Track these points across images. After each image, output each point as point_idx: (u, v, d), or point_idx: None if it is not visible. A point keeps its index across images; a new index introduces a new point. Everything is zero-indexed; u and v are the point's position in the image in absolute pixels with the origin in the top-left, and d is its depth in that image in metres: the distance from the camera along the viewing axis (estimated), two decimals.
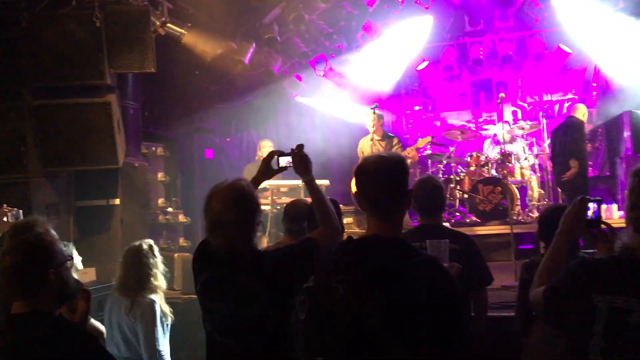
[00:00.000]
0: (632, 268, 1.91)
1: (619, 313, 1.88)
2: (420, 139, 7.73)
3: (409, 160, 7.47)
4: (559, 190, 8.39)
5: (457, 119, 10.77)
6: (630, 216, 1.98)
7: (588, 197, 2.33)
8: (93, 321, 3.10)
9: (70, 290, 2.18)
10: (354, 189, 8.09)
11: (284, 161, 2.88)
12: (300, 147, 2.82)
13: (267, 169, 2.93)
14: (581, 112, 7.48)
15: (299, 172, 2.78)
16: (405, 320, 1.85)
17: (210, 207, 2.45)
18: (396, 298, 1.86)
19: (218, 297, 2.49)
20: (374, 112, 7.27)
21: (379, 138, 7.62)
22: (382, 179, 2.03)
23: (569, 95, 10.12)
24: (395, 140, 7.67)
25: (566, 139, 7.31)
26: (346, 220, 7.49)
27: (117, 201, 6.01)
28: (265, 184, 6.88)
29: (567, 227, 2.28)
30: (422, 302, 1.83)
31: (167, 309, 3.85)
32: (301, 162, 2.78)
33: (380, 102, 8.23)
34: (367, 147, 7.60)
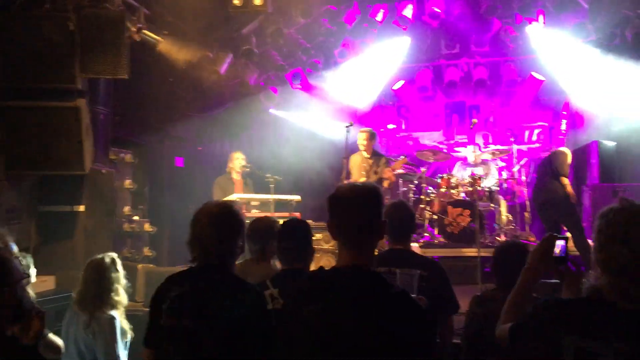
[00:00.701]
0: (600, 310, 1.91)
1: (586, 355, 1.87)
2: (396, 161, 7.74)
3: (386, 182, 7.48)
4: (526, 215, 8.50)
5: (429, 139, 10.85)
6: (598, 257, 1.98)
7: (555, 234, 2.33)
8: (51, 336, 2.99)
9: (23, 309, 2.10)
10: None
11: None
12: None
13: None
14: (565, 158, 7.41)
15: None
16: (377, 353, 1.83)
17: (194, 223, 2.54)
18: (370, 330, 1.85)
19: (184, 312, 2.46)
20: (348, 130, 7.28)
21: (368, 156, 7.63)
22: (357, 210, 2.01)
23: (540, 123, 10.29)
24: (383, 160, 7.69)
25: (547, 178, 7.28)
26: (316, 236, 7.45)
27: (82, 208, 5.90)
28: (235, 196, 6.97)
29: (534, 263, 2.28)
30: (396, 335, 1.82)
31: (126, 325, 3.77)
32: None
33: (355, 119, 8.25)
34: (357, 163, 7.61)
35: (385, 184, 7.53)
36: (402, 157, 8.05)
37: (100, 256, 3.80)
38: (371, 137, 7.69)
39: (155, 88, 7.92)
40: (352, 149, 7.62)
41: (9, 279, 2.04)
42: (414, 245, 7.37)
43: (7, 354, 2.00)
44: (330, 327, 1.90)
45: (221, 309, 2.39)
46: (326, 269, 2.12)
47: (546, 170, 7.24)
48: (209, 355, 2.39)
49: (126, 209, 7.01)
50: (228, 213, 2.53)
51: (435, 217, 8.13)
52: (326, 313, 1.93)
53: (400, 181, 8.99)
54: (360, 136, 7.66)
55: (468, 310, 3.30)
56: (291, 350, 2.01)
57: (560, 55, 8.91)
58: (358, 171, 7.60)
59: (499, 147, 9.39)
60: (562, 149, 7.50)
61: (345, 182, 7.40)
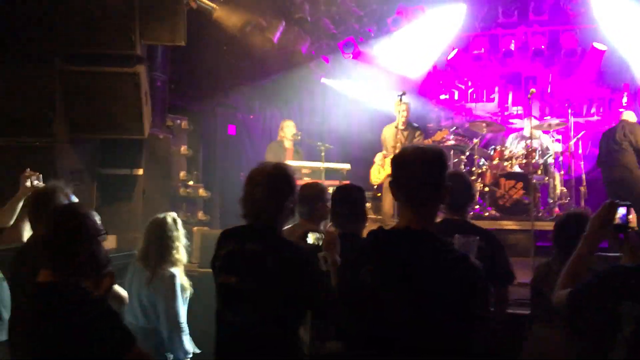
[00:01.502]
0: None
1: None
2: (438, 132, 7.70)
3: None
4: (581, 189, 8.31)
5: (483, 110, 10.66)
6: None
7: (617, 201, 2.31)
8: (116, 287, 3.14)
9: (99, 263, 2.21)
10: (374, 177, 8.10)
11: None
12: None
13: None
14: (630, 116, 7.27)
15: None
16: (434, 316, 1.85)
17: (247, 183, 2.58)
18: (428, 293, 1.86)
19: (233, 270, 2.54)
20: (401, 100, 7.24)
21: (403, 128, 7.63)
22: (420, 172, 2.02)
23: (599, 95, 9.96)
24: (418, 132, 7.68)
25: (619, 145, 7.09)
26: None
27: (140, 171, 6.04)
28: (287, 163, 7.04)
29: (593, 230, 2.27)
30: (454, 299, 1.83)
31: (186, 282, 3.88)
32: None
33: (407, 88, 8.17)
34: (391, 135, 7.60)
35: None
36: (444, 129, 7.97)
37: (162, 215, 3.90)
38: (409, 109, 7.73)
39: (209, 56, 8.00)
40: (393, 119, 7.60)
41: (87, 234, 2.15)
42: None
43: (80, 304, 2.12)
44: (386, 288, 1.92)
45: (266, 268, 2.44)
46: (383, 227, 2.15)
47: (614, 144, 7.02)
48: (256, 316, 2.44)
49: (182, 174, 7.15)
50: (282, 174, 2.57)
51: (486, 189, 8.03)
52: (383, 274, 1.95)
53: (452, 152, 8.90)
54: (401, 107, 7.64)
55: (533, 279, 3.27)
56: (348, 312, 2.06)
57: (623, 24, 8.54)
58: (393, 143, 7.58)
59: (555, 119, 9.14)
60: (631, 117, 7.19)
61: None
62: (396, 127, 7.44)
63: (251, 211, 2.55)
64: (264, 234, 2.53)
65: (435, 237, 2.02)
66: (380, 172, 7.88)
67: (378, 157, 8.15)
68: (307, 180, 6.89)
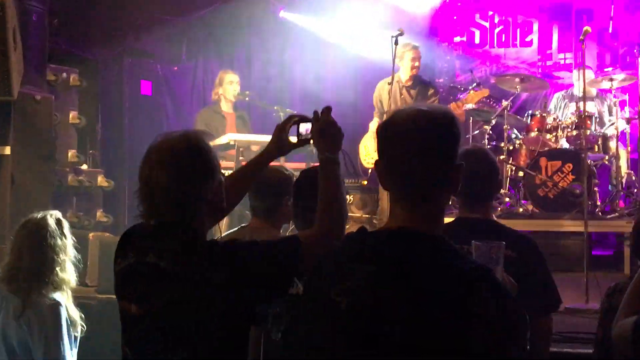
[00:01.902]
0: None
1: None
2: (472, 92, 7.72)
3: None
4: None
5: (515, 58, 10.75)
6: None
7: None
8: None
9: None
10: (365, 157, 8.12)
11: (304, 129, 2.94)
12: (328, 110, 2.84)
13: (282, 141, 3.00)
14: None
15: (320, 146, 2.82)
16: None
17: (143, 166, 2.58)
18: (427, 324, 1.84)
19: (131, 293, 2.55)
20: (396, 43, 7.24)
21: (409, 84, 7.64)
22: (419, 145, 2.00)
23: None
24: (431, 90, 7.73)
25: None
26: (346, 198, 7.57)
27: (7, 150, 5.98)
28: (227, 137, 7.02)
29: None
30: (466, 336, 1.82)
31: (76, 314, 3.86)
32: (327, 132, 2.81)
33: (406, 27, 8.18)
34: (388, 94, 7.60)
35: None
36: (482, 87, 8.02)
37: (39, 215, 3.89)
38: (415, 50, 7.83)
39: None
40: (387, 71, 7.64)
41: None
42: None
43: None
44: (366, 315, 1.92)
45: (173, 291, 2.46)
46: (366, 229, 2.14)
47: None
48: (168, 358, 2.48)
49: (71, 153, 7.09)
50: (194, 147, 2.58)
51: (521, 173, 8.10)
52: (362, 295, 1.94)
53: (470, 121, 8.95)
54: (411, 55, 7.65)
55: (601, 306, 3.33)
56: (312, 344, 2.07)
57: None
58: (394, 105, 7.60)
59: (620, 72, 9.24)
60: None
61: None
62: (397, 83, 7.47)
63: (151, 207, 2.55)
64: (174, 238, 2.53)
65: (444, 242, 2.01)
66: (374, 150, 7.90)
67: (372, 127, 8.16)
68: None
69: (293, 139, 2.99)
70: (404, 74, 7.73)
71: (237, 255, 2.54)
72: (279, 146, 3.01)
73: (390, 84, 7.44)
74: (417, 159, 2.00)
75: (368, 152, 8.09)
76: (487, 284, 1.91)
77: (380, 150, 2.09)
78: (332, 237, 2.64)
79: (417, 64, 7.82)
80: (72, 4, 7.61)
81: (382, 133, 2.08)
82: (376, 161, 2.11)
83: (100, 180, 7.35)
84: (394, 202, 2.07)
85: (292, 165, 6.77)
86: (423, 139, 2.01)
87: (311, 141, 2.89)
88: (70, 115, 7.20)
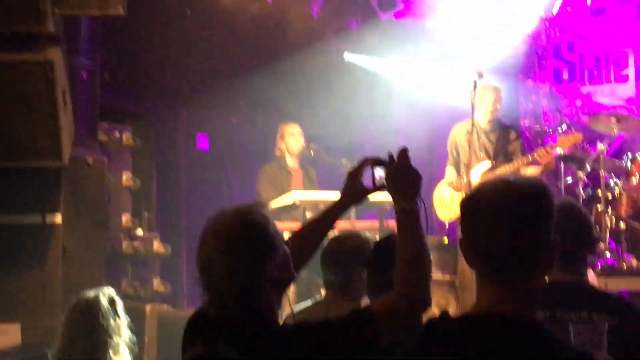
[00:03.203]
0: None
1: None
2: (564, 136, 7.63)
3: (535, 170, 7.46)
4: None
5: (610, 95, 10.60)
6: None
7: None
8: None
9: None
10: (439, 207, 8.05)
11: (380, 174, 2.89)
12: (404, 152, 2.80)
13: (356, 188, 2.97)
14: None
15: (395, 193, 2.76)
16: None
17: (199, 250, 2.59)
18: None
19: None
20: (475, 85, 7.21)
21: (488, 127, 7.61)
22: (509, 224, 2.01)
23: None
24: (513, 134, 7.67)
25: None
26: None
27: (58, 218, 6.06)
28: (292, 198, 7.04)
29: None
30: None
31: None
32: (403, 177, 2.76)
33: (486, 66, 8.16)
34: (466, 140, 7.57)
35: (536, 172, 7.55)
36: (575, 132, 7.91)
37: (91, 294, 3.89)
38: (495, 92, 7.80)
39: (164, 29, 8.07)
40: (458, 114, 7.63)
41: None
42: (589, 274, 7.25)
43: None
44: None
45: None
46: (450, 315, 2.13)
47: None
48: None
49: (125, 218, 7.25)
50: (243, 226, 2.57)
51: (623, 225, 7.94)
52: None
53: (562, 167, 8.83)
54: (491, 97, 7.65)
55: None
56: None
57: None
58: (471, 152, 7.53)
59: None
60: None
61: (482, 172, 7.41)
62: (473, 127, 7.42)
63: (214, 296, 2.56)
64: (240, 329, 2.53)
65: (540, 330, 1.99)
66: (451, 201, 7.84)
67: (447, 176, 8.10)
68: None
69: (368, 186, 2.93)
70: (483, 118, 7.68)
71: (308, 342, 2.52)
72: (353, 194, 2.97)
73: (470, 131, 7.39)
74: (506, 239, 2.01)
75: (444, 203, 8.02)
76: None
77: (465, 227, 2.10)
78: (415, 303, 2.59)
79: (498, 106, 7.78)
80: (123, 57, 7.77)
81: (467, 209, 2.10)
82: (460, 239, 2.11)
83: (157, 245, 7.45)
84: (482, 282, 2.08)
85: (364, 225, 6.75)
86: (512, 216, 2.01)
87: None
88: (124, 177, 7.35)
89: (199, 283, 2.57)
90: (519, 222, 2.01)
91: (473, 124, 7.32)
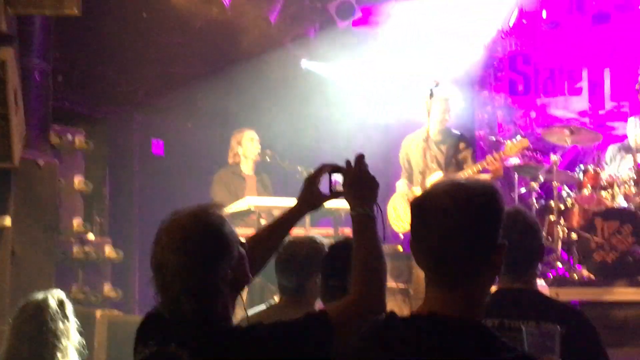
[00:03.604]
0: None
1: None
2: (509, 142, 7.75)
3: (488, 177, 7.59)
4: None
5: (564, 108, 10.73)
6: None
7: None
8: None
9: None
10: (393, 218, 8.10)
11: (337, 181, 2.90)
12: (361, 158, 2.82)
13: (313, 194, 2.99)
14: None
15: (352, 199, 2.77)
16: None
17: (153, 251, 2.59)
18: None
19: None
20: (431, 95, 7.29)
21: (439, 138, 7.71)
22: (457, 225, 2.02)
23: None
24: (462, 144, 7.75)
25: None
26: None
27: (7, 221, 6.01)
28: (247, 203, 7.04)
29: None
30: None
31: None
32: (360, 183, 2.78)
33: (442, 77, 8.23)
34: (417, 151, 7.66)
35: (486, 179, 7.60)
36: (521, 137, 8.02)
37: (40, 296, 3.86)
38: (445, 102, 7.90)
39: (118, 30, 8.04)
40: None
41: None
42: (539, 283, 7.32)
43: None
44: None
45: None
46: (396, 315, 2.15)
47: None
48: None
49: (76, 222, 7.20)
50: (199, 227, 2.57)
51: (574, 236, 8.04)
52: None
53: (515, 177, 8.93)
54: (444, 106, 7.81)
55: None
56: None
57: None
58: (423, 162, 7.62)
59: None
60: None
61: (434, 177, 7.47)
62: (425, 140, 7.48)
63: (167, 298, 2.55)
64: (193, 329, 2.52)
65: (484, 331, 2.01)
66: (405, 213, 7.88)
67: (399, 188, 8.17)
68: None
69: (325, 192, 2.94)
70: (433, 129, 7.72)
71: (260, 345, 2.51)
72: (310, 200, 2.99)
73: (426, 140, 7.46)
74: (454, 240, 2.01)
75: (398, 214, 8.07)
76: None
77: (415, 228, 2.10)
78: (370, 308, 2.58)
79: (446, 116, 7.91)
80: (77, 60, 7.73)
81: (416, 210, 2.10)
82: (410, 240, 2.11)
83: (108, 250, 7.40)
84: (429, 284, 2.08)
85: (318, 233, 6.75)
86: (461, 218, 2.02)
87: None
88: (76, 181, 7.29)
89: (152, 283, 2.56)
90: (467, 224, 2.02)
91: (428, 133, 7.41)
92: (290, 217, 3.02)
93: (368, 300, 2.61)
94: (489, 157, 7.71)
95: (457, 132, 8.12)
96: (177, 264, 2.50)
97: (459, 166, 7.85)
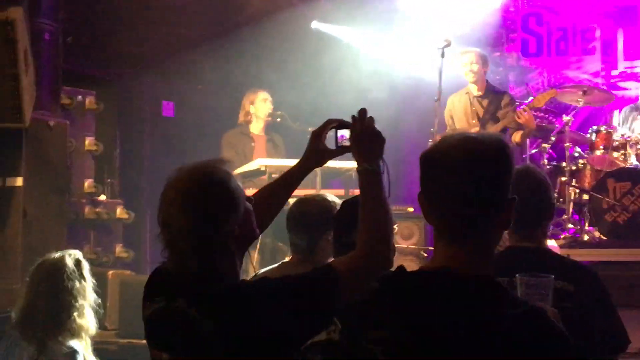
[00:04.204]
0: None
1: None
2: (540, 94, 7.80)
3: (517, 134, 7.82)
4: None
5: (576, 69, 10.68)
6: None
7: None
8: None
9: None
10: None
11: (344, 136, 2.89)
12: (363, 113, 2.81)
13: (319, 150, 2.97)
14: None
15: (358, 154, 2.76)
16: None
17: (160, 206, 2.58)
18: None
19: (160, 340, 2.60)
20: (443, 55, 7.31)
21: (480, 94, 7.91)
22: (467, 177, 2.01)
23: None
24: (506, 99, 7.99)
25: None
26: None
27: (19, 181, 6.04)
28: (258, 163, 7.06)
29: None
30: None
31: None
32: (366, 138, 2.77)
33: (453, 36, 8.20)
34: (462, 107, 7.74)
35: (517, 137, 7.93)
36: (549, 89, 8.06)
37: (57, 255, 3.91)
38: (483, 61, 7.96)
39: None
40: (450, 85, 7.64)
41: None
42: (551, 244, 7.35)
43: None
44: None
45: (202, 339, 2.46)
46: (405, 270, 2.14)
47: None
48: None
49: (87, 183, 7.21)
50: (204, 181, 2.57)
51: (585, 197, 8.05)
52: (398, 346, 1.96)
53: (527, 139, 8.94)
54: (464, 60, 7.82)
55: None
56: None
57: None
58: (465, 118, 7.70)
59: None
60: None
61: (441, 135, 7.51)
62: (467, 95, 7.59)
63: (174, 253, 2.55)
64: (200, 284, 2.54)
65: (493, 284, 2.02)
66: None
67: None
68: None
69: (331, 147, 2.93)
70: (472, 84, 7.85)
71: (267, 295, 2.52)
72: (316, 155, 2.97)
73: (438, 99, 7.50)
74: (464, 192, 2.01)
75: None
76: (543, 329, 1.93)
77: (424, 181, 2.10)
78: (376, 263, 2.59)
79: (474, 67, 7.93)
80: (87, 21, 7.73)
81: (426, 162, 2.09)
82: (419, 193, 2.11)
83: (120, 212, 7.44)
84: (438, 238, 2.08)
85: (330, 192, 6.80)
86: (471, 171, 2.01)
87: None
88: (87, 142, 7.31)
89: (159, 239, 2.57)
90: (477, 176, 2.01)
91: (440, 92, 7.45)
92: (297, 173, 3.02)
93: (374, 255, 2.61)
94: (519, 113, 7.72)
95: (501, 90, 8.19)
96: (183, 219, 2.49)
97: (503, 119, 7.90)
